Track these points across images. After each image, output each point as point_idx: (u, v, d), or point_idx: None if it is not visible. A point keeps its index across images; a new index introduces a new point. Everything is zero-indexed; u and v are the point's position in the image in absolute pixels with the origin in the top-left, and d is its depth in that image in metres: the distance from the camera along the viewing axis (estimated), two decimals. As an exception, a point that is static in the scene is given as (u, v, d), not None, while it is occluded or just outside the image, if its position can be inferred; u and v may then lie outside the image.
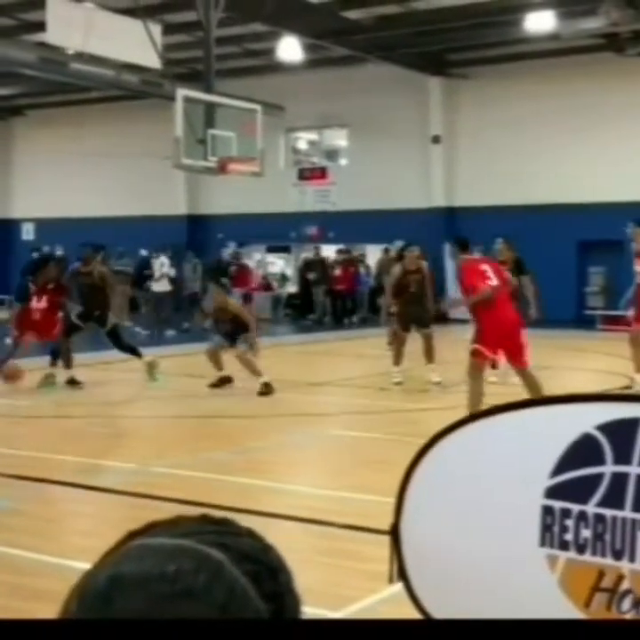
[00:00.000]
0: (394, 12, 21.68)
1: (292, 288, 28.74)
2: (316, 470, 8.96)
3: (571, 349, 17.67)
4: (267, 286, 27.31)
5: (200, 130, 15.24)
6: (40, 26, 16.67)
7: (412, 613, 2.73)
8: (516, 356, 9.82)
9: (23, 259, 22.93)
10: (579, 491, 2.47)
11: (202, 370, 13.50)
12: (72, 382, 13.13)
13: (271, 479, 8.01)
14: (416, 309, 13.43)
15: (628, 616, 2.39)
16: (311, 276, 26.39)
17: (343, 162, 28.72)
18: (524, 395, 8.92)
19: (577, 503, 2.47)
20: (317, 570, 5.29)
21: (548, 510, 2.51)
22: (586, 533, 2.46)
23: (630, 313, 12.69)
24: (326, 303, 26.23)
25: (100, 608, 0.80)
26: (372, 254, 27.19)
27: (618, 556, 2.43)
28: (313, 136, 29.53)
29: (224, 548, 0.84)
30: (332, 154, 29.36)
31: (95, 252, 14.16)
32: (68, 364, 13.23)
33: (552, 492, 2.51)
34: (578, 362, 16.46)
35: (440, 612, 2.66)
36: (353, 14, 21.47)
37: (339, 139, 28.90)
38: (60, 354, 13.27)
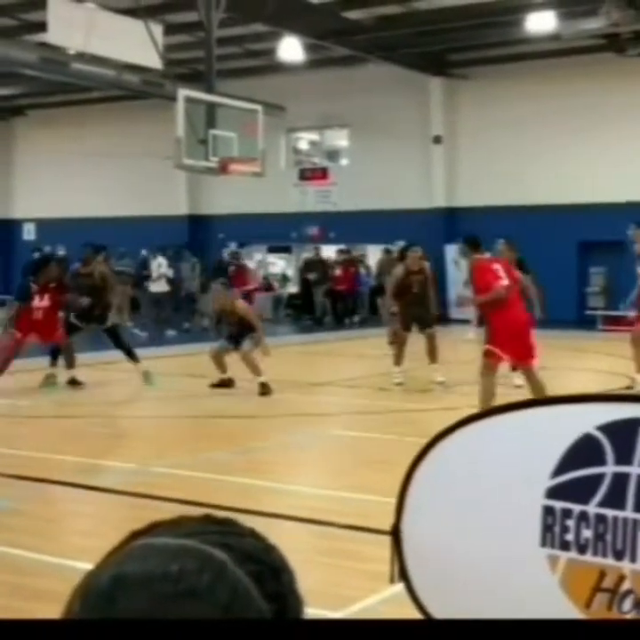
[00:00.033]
0: (395, 13, 21.68)
1: (292, 288, 28.75)
2: (317, 470, 8.96)
3: (571, 350, 17.67)
4: (268, 287, 27.31)
5: (201, 130, 15.24)
6: (41, 26, 16.67)
7: (412, 613, 2.73)
8: (525, 356, 9.82)
9: (24, 259, 22.91)
10: (580, 491, 2.47)
11: (202, 370, 13.50)
12: (73, 382, 13.13)
13: (272, 479, 8.01)
14: (418, 310, 13.43)
15: (629, 616, 2.39)
16: (311, 276, 26.40)
17: (344, 162, 28.72)
18: (524, 395, 8.92)
19: (578, 503, 2.47)
20: (318, 570, 5.29)
21: (549, 510, 2.51)
22: (587, 534, 2.46)
23: (631, 313, 12.69)
24: (326, 303, 26.24)
25: (104, 608, 0.80)
26: (373, 254, 27.20)
27: (619, 556, 2.43)
28: (314, 136, 29.53)
29: (227, 548, 0.84)
30: (332, 154, 29.36)
31: (95, 253, 14.17)
32: (71, 364, 13.22)
33: (553, 493, 2.51)
34: (578, 362, 16.46)
35: (441, 612, 2.66)
36: (354, 14, 21.47)
37: (340, 139, 28.91)
38: (59, 354, 13.27)
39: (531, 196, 24.18)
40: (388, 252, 24.63)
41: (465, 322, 18.24)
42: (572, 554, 2.49)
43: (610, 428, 2.45)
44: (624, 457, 2.42)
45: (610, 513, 2.43)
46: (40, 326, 12.97)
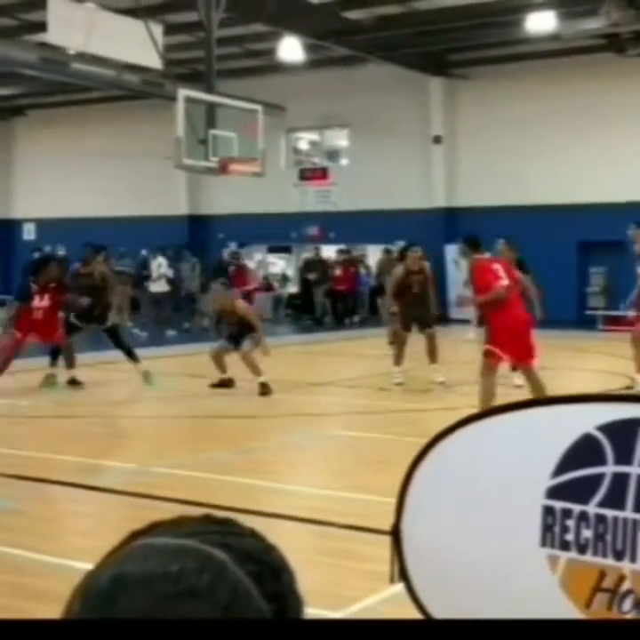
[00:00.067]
0: (395, 13, 21.68)
1: (292, 288, 28.75)
2: (317, 470, 8.96)
3: (571, 350, 17.67)
4: (268, 287, 27.31)
5: (201, 130, 15.24)
6: (41, 26, 16.67)
7: (412, 613, 2.74)
8: (525, 356, 9.82)
9: (24, 259, 22.92)
10: (580, 491, 2.47)
11: (202, 370, 13.50)
12: (73, 382, 13.13)
13: (272, 479, 8.01)
14: (418, 310, 13.43)
15: (629, 616, 2.39)
16: (311, 276, 26.40)
17: (344, 162, 28.73)
18: (524, 395, 8.92)
19: (578, 503, 2.47)
20: (318, 570, 5.29)
21: (549, 510, 2.51)
22: (587, 534, 2.46)
23: (631, 313, 12.69)
24: (326, 303, 26.24)
25: (104, 608, 0.80)
26: (373, 254, 27.21)
27: (619, 556, 2.43)
28: (314, 136, 29.54)
29: (227, 548, 0.84)
30: (332, 154, 29.37)
31: (95, 253, 14.16)
32: (71, 364, 13.22)
33: (553, 493, 2.51)
34: (578, 362, 16.46)
35: (441, 612, 2.66)
36: (354, 14, 21.47)
37: (339, 139, 28.91)
38: (59, 354, 13.27)
39: (531, 196, 24.18)
40: (387, 252, 24.63)
41: (465, 322, 18.24)
42: (572, 554, 2.49)
43: (610, 428, 2.45)
44: (624, 457, 2.42)
45: (610, 513, 2.43)
46: (40, 326, 12.96)
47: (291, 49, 22.76)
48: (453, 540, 2.67)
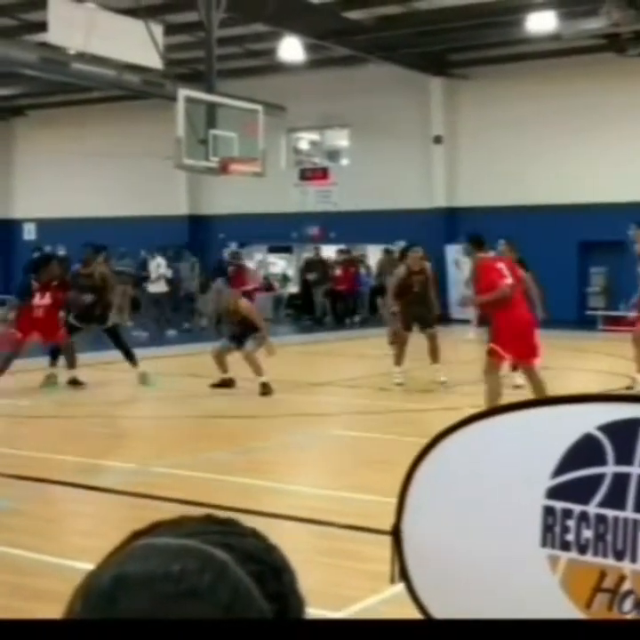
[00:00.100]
0: (395, 13, 21.68)
1: (293, 288, 28.74)
2: (317, 470, 8.96)
3: (572, 350, 17.67)
4: (268, 287, 27.30)
5: (201, 130, 15.23)
6: (41, 26, 16.67)
7: (413, 614, 2.74)
8: (527, 355, 9.82)
9: (25, 259, 22.89)
10: (580, 491, 2.47)
11: (202, 370, 13.50)
12: (74, 382, 13.12)
13: (272, 479, 8.01)
14: (419, 310, 13.44)
15: (630, 617, 2.39)
16: (311, 276, 26.40)
17: (344, 162, 28.73)
18: (524, 395, 8.92)
19: (578, 503, 2.47)
20: (318, 570, 5.29)
21: (549, 511, 2.51)
22: (587, 534, 2.46)
23: (632, 313, 12.69)
24: (326, 303, 26.24)
25: (105, 608, 0.80)
26: (373, 254, 27.20)
27: (619, 556, 2.43)
28: (314, 136, 29.53)
29: (228, 548, 0.84)
30: (333, 154, 29.36)
31: (96, 253, 14.16)
32: (72, 364, 13.21)
33: (553, 493, 2.51)
34: (579, 362, 16.45)
35: (441, 612, 2.66)
36: (354, 14, 21.47)
37: (340, 139, 28.91)
38: (59, 354, 13.26)
39: (531, 196, 24.17)
40: (388, 252, 24.63)
41: (465, 322, 18.25)
42: (573, 554, 2.49)
43: (610, 428, 2.45)
44: (624, 457, 2.42)
45: (610, 513, 2.43)
46: (41, 325, 12.94)
47: (291, 49, 22.76)
48: (454, 540, 2.67)
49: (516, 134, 24.58)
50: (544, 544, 2.52)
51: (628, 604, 2.41)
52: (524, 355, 9.85)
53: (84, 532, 6.50)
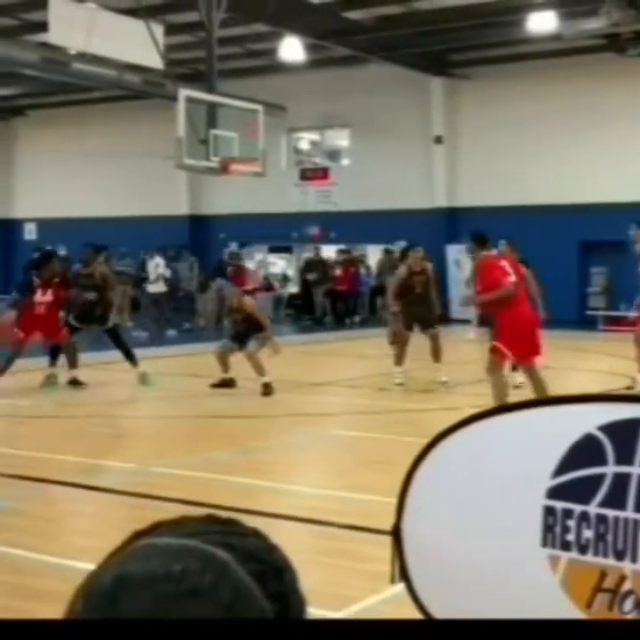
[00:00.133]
0: (395, 13, 21.68)
1: (293, 288, 28.74)
2: (318, 470, 8.96)
3: (572, 350, 17.66)
4: (268, 287, 27.30)
5: (202, 130, 15.23)
6: (42, 26, 16.68)
7: (413, 614, 2.73)
8: (529, 353, 9.82)
9: (25, 259, 22.88)
10: (581, 491, 2.47)
11: (202, 370, 13.50)
12: (75, 382, 13.12)
13: (272, 479, 8.01)
14: (420, 310, 13.44)
15: (630, 617, 2.39)
16: (312, 276, 26.40)
17: (345, 162, 28.73)
18: (524, 395, 8.92)
19: (579, 503, 2.47)
20: (319, 570, 5.29)
21: (549, 511, 2.51)
22: (588, 534, 2.46)
23: (633, 314, 12.69)
24: (326, 303, 26.24)
25: (106, 608, 0.80)
26: (373, 254, 27.20)
27: (620, 556, 2.43)
28: (315, 136, 29.54)
29: (229, 547, 0.84)
30: (333, 154, 29.37)
31: (96, 253, 14.15)
32: (73, 364, 13.21)
33: (554, 493, 2.50)
34: (579, 362, 16.45)
35: (441, 612, 2.66)
36: (355, 14, 21.47)
37: (340, 139, 28.91)
38: (59, 353, 13.25)
39: (532, 196, 24.18)
40: (388, 252, 24.61)
41: (466, 322, 18.25)
42: (573, 554, 2.49)
43: (611, 429, 2.45)
44: (625, 457, 2.42)
45: (611, 513, 2.43)
46: (43, 323, 12.92)
47: (291, 49, 22.76)
48: (454, 540, 2.67)
49: (516, 134, 24.58)
50: (544, 544, 2.52)
51: (628, 604, 2.41)
52: (527, 353, 9.84)
53: (84, 532, 6.50)
